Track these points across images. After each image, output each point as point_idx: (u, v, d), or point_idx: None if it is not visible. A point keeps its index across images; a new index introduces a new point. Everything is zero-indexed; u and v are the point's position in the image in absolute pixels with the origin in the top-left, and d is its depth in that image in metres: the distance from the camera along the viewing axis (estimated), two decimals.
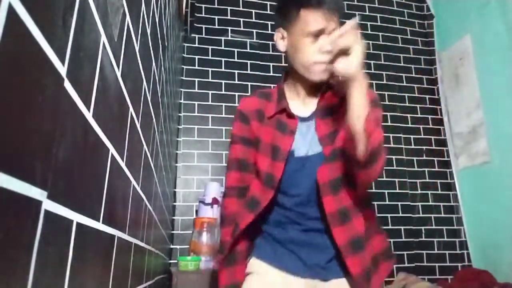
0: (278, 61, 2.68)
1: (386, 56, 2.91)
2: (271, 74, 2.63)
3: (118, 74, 0.55)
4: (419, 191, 2.68)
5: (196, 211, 2.29)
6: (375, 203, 2.56)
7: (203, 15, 2.68)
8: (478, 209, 2.52)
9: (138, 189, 0.80)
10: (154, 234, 1.20)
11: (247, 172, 1.06)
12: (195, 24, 2.64)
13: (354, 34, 0.85)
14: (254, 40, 2.70)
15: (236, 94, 2.56)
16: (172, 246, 2.25)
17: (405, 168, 2.70)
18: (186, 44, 2.59)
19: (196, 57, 2.59)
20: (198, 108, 2.51)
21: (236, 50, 2.66)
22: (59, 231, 0.35)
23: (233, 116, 1.08)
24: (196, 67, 2.58)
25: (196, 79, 2.55)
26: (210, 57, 2.61)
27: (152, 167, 1.05)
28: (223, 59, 2.62)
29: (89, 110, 0.41)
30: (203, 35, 2.64)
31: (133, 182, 0.73)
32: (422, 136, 2.80)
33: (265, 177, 1.01)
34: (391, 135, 2.74)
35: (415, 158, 2.74)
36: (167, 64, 1.38)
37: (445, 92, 2.86)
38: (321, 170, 0.97)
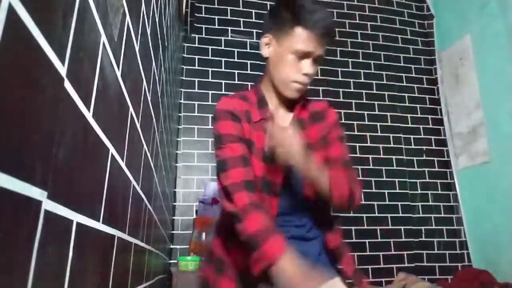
0: None
1: (386, 56, 2.91)
2: None
3: (118, 74, 0.54)
4: (419, 191, 2.68)
5: (196, 211, 2.29)
6: (375, 203, 2.57)
7: (203, 15, 2.68)
8: (478, 209, 2.52)
9: (138, 189, 0.80)
10: (154, 234, 1.20)
11: (251, 168, 1.03)
12: (195, 24, 2.64)
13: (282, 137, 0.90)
14: (254, 40, 2.70)
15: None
16: (172, 246, 2.25)
17: (405, 168, 2.70)
18: (186, 44, 2.59)
19: (196, 57, 2.59)
20: (198, 108, 2.51)
21: (236, 50, 2.66)
22: (59, 231, 0.35)
23: (219, 168, 1.03)
24: (196, 67, 2.58)
25: (196, 79, 2.55)
26: (210, 57, 2.61)
27: (152, 167, 1.05)
28: (223, 59, 2.62)
29: (89, 110, 0.41)
30: (203, 35, 2.65)
31: (133, 182, 0.73)
32: (422, 136, 2.81)
33: (261, 183, 0.99)
34: (391, 135, 2.74)
35: (415, 158, 2.74)
36: (167, 64, 1.38)
37: (445, 92, 2.86)
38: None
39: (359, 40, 2.88)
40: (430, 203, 2.67)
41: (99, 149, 0.47)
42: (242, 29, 2.71)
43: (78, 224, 0.40)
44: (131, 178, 0.70)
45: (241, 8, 2.75)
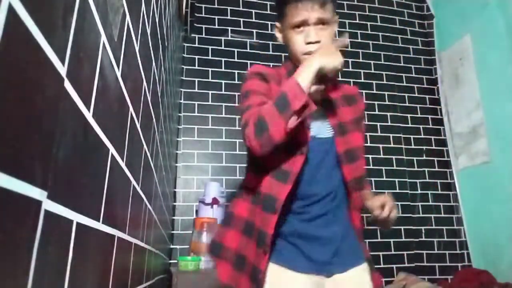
0: (278, 61, 2.68)
1: (386, 56, 2.91)
2: None
3: (118, 74, 0.54)
4: (419, 191, 2.68)
5: (196, 211, 2.29)
6: None
7: (203, 15, 2.68)
8: (478, 209, 2.52)
9: (138, 189, 0.80)
10: (154, 234, 1.20)
11: None
12: (195, 24, 2.64)
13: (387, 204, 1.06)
14: (254, 40, 2.70)
15: (236, 94, 2.56)
16: (172, 246, 2.25)
17: (405, 168, 2.70)
18: (186, 44, 2.59)
19: (196, 57, 2.59)
20: (198, 108, 2.51)
21: (236, 50, 2.66)
22: (59, 231, 0.35)
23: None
24: (196, 67, 2.58)
25: (196, 79, 2.55)
26: (210, 57, 2.61)
27: (152, 167, 1.05)
28: (223, 59, 2.62)
29: (89, 110, 0.41)
30: (203, 35, 2.65)
31: (133, 182, 0.73)
32: (422, 136, 2.81)
33: (286, 144, 0.96)
34: (391, 135, 2.74)
35: (415, 158, 2.74)
36: (167, 64, 1.38)
37: (445, 92, 2.86)
38: (338, 144, 1.05)
39: (359, 40, 2.88)
40: (430, 203, 2.67)
41: (99, 149, 0.47)
42: (242, 29, 2.71)
43: (78, 224, 0.40)
44: (131, 178, 0.70)
45: (241, 8, 2.75)
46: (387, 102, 2.80)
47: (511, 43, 2.31)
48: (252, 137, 0.92)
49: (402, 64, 2.93)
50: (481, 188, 2.49)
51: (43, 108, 0.30)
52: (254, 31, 2.72)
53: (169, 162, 1.72)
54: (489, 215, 2.40)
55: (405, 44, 2.98)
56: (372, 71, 2.84)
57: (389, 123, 2.76)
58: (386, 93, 2.83)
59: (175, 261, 2.17)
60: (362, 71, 2.83)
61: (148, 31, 0.82)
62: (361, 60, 2.85)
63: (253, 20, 2.75)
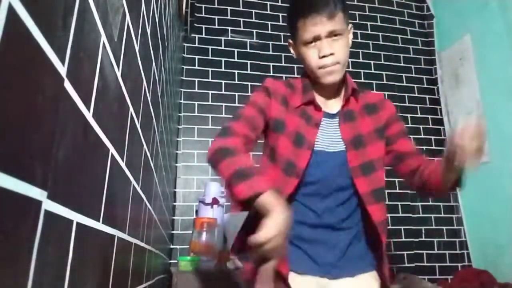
0: (278, 61, 2.68)
1: (386, 56, 2.91)
2: (271, 74, 2.63)
3: (118, 74, 0.54)
4: None
5: (196, 211, 2.29)
6: None
7: (203, 15, 2.68)
8: (478, 209, 2.52)
9: (138, 189, 0.80)
10: (154, 234, 1.20)
11: (254, 133, 1.03)
12: (195, 24, 2.64)
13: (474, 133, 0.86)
14: (254, 40, 2.70)
15: (236, 94, 2.56)
16: (172, 246, 2.25)
17: None
18: (186, 44, 2.59)
19: (196, 57, 2.59)
20: (198, 108, 2.51)
21: (236, 50, 2.66)
22: (59, 231, 0.35)
23: (233, 116, 1.08)
24: (196, 67, 2.58)
25: (196, 79, 2.55)
26: (210, 57, 2.61)
27: (152, 167, 1.05)
28: (223, 59, 2.62)
29: (89, 110, 0.41)
30: (203, 35, 2.64)
31: (133, 182, 0.73)
32: (422, 136, 2.80)
33: (285, 164, 1.01)
34: None
35: None
36: (167, 64, 1.38)
37: (445, 92, 2.86)
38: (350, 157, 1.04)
39: (359, 40, 2.88)
40: (430, 203, 2.67)
41: (99, 149, 0.47)
42: (242, 29, 2.71)
43: (78, 224, 0.40)
44: (131, 178, 0.70)
45: (241, 8, 2.75)
46: None
47: (511, 43, 2.31)
48: (209, 153, 0.95)
49: (402, 64, 2.93)
50: (481, 188, 2.49)
51: (43, 108, 0.30)
52: (254, 31, 2.72)
53: (169, 162, 1.72)
54: (489, 215, 2.40)
55: (405, 44, 2.98)
56: (372, 71, 2.84)
57: None
58: (386, 93, 2.82)
59: (175, 261, 2.16)
60: (362, 71, 2.83)
61: (148, 31, 0.82)
62: (361, 60, 2.85)
63: (253, 20, 2.74)
